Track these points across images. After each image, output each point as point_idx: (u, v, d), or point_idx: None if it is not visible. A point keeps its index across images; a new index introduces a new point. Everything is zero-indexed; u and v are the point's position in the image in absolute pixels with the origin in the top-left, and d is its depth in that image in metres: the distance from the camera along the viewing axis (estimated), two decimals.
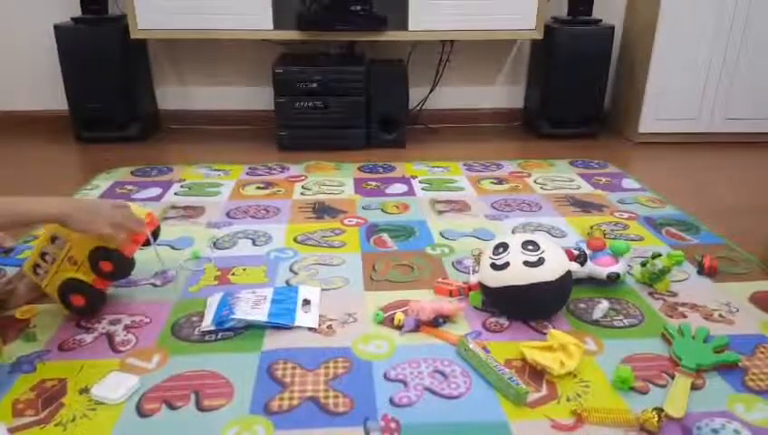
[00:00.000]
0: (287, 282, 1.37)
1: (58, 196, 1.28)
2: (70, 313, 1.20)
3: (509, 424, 0.93)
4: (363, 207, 1.81)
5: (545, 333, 1.14)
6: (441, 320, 1.20)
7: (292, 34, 2.33)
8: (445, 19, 2.34)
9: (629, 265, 1.41)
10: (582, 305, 1.27)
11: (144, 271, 1.40)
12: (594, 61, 2.51)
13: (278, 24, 2.31)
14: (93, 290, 1.17)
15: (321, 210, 1.79)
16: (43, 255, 1.18)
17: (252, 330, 1.16)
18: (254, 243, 1.56)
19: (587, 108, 2.61)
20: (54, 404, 0.97)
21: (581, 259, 1.31)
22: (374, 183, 2.04)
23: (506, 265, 1.18)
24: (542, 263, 1.16)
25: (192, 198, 1.89)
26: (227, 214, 1.76)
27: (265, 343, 1.13)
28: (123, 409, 0.96)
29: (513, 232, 1.66)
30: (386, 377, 1.04)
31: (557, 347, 1.07)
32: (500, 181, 2.07)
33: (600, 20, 2.55)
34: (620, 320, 1.22)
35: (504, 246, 1.21)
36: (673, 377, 1.04)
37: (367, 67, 2.41)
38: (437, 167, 2.21)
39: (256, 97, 2.75)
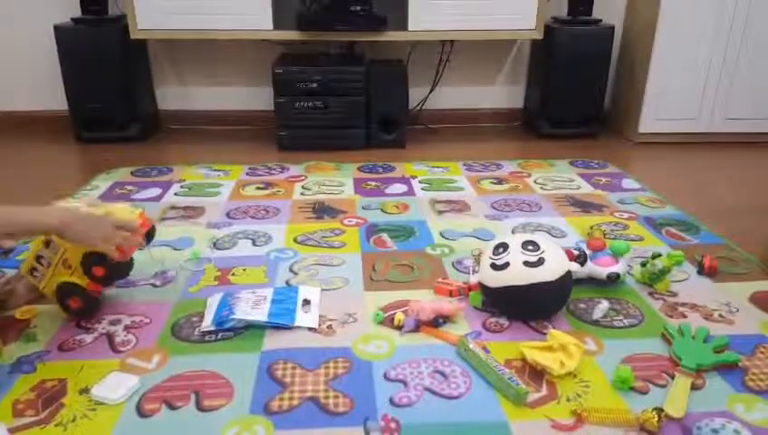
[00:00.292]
0: (287, 282, 1.37)
1: (58, 198, 1.29)
2: (68, 314, 1.20)
3: (509, 424, 0.94)
4: (363, 208, 1.81)
5: (545, 334, 1.15)
6: (441, 320, 1.20)
7: (291, 35, 2.33)
8: (444, 19, 2.34)
9: (629, 266, 1.41)
10: (582, 305, 1.27)
11: (144, 271, 1.40)
12: (594, 61, 2.51)
13: (278, 25, 2.31)
14: (88, 294, 1.17)
15: (321, 210, 1.79)
16: (38, 258, 1.18)
17: (252, 330, 1.16)
18: (254, 243, 1.56)
19: (587, 108, 2.61)
20: (54, 404, 0.97)
21: (581, 259, 1.31)
22: (374, 183, 2.04)
23: (506, 265, 1.18)
24: (542, 263, 1.16)
25: (192, 198, 1.89)
26: (227, 214, 1.76)
27: (265, 344, 1.13)
28: (123, 409, 0.96)
29: (513, 232, 1.66)
30: (386, 377, 1.04)
31: (557, 347, 1.07)
32: (500, 181, 2.07)
33: (600, 20, 2.55)
34: (620, 320, 1.22)
35: (503, 247, 1.21)
36: (673, 377, 1.04)
37: (367, 67, 2.41)
38: (437, 167, 2.22)
39: (256, 97, 2.75)
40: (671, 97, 2.49)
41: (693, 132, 2.56)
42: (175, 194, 1.92)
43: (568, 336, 1.09)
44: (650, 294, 1.33)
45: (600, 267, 1.32)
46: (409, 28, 2.35)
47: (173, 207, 1.80)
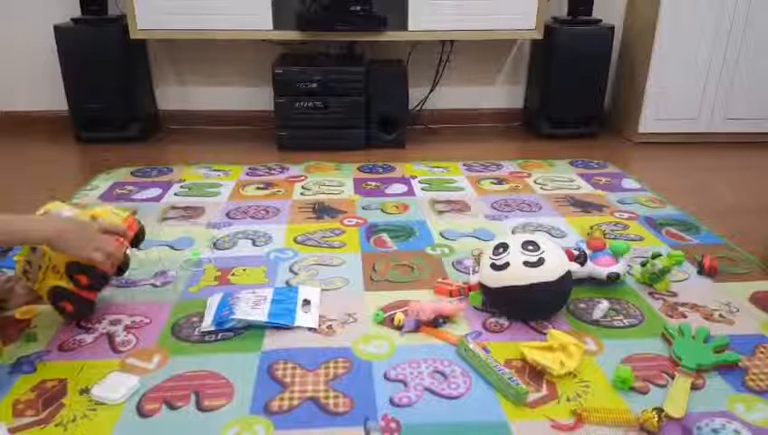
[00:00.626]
0: (287, 282, 1.37)
1: (50, 198, 1.28)
2: (63, 317, 1.19)
3: (509, 424, 0.94)
4: (363, 208, 1.81)
5: (545, 334, 1.15)
6: (441, 320, 1.20)
7: (291, 35, 2.33)
8: (444, 19, 2.34)
9: (629, 266, 1.41)
10: (582, 305, 1.27)
11: (144, 272, 1.40)
12: (594, 61, 2.51)
13: (278, 25, 2.31)
14: (79, 298, 1.15)
15: (321, 210, 1.79)
16: (28, 262, 1.17)
17: (252, 330, 1.16)
18: (254, 243, 1.56)
19: (587, 108, 2.61)
20: (55, 404, 0.97)
21: (581, 259, 1.31)
22: (374, 183, 2.04)
23: (506, 265, 1.18)
24: (542, 263, 1.16)
25: (192, 198, 1.89)
26: (227, 214, 1.76)
27: (265, 344, 1.13)
28: (123, 409, 0.96)
29: (512, 232, 1.66)
30: (386, 377, 1.04)
31: (557, 347, 1.07)
32: (500, 181, 2.07)
33: (600, 20, 2.55)
34: (620, 320, 1.23)
35: (503, 247, 1.21)
36: (673, 377, 1.04)
37: (367, 67, 2.41)
38: (437, 167, 2.22)
39: (256, 97, 2.75)
40: (671, 97, 2.49)
41: (693, 132, 2.56)
42: (175, 194, 1.92)
43: (568, 336, 1.09)
44: (650, 294, 1.33)
45: (600, 267, 1.32)
46: (409, 28, 2.35)
47: (173, 208, 1.80)
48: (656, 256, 1.35)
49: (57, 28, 2.34)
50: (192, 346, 1.13)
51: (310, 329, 1.18)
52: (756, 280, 1.40)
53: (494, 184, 2.04)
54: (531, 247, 1.19)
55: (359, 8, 2.29)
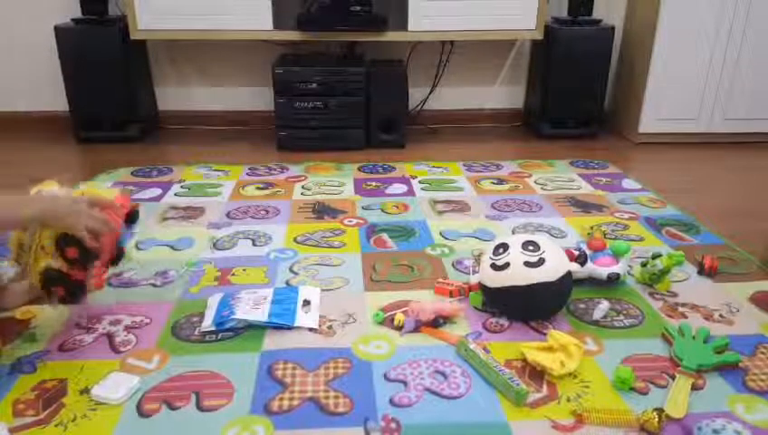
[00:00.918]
0: (287, 282, 1.37)
1: (34, 182, 1.19)
2: (53, 303, 1.15)
3: (509, 425, 0.93)
4: (363, 208, 1.81)
5: (545, 334, 1.14)
6: (441, 320, 1.20)
7: (292, 35, 2.33)
8: (445, 19, 2.34)
9: (630, 266, 1.41)
10: (582, 306, 1.27)
11: (144, 271, 1.40)
12: (594, 61, 2.51)
13: (278, 25, 2.31)
14: (70, 280, 1.10)
15: (321, 211, 1.79)
16: (20, 245, 1.12)
17: (252, 330, 1.16)
18: (254, 243, 1.56)
19: (587, 108, 2.60)
20: (55, 404, 0.97)
21: (582, 260, 1.31)
22: (374, 183, 2.04)
23: (506, 265, 1.18)
24: (543, 263, 1.16)
25: (192, 198, 1.89)
26: (227, 214, 1.76)
27: (265, 344, 1.13)
28: (124, 409, 0.96)
29: (513, 232, 1.66)
30: (386, 377, 1.04)
31: (557, 347, 1.07)
32: (500, 182, 2.07)
33: (601, 20, 2.55)
34: (621, 320, 1.22)
35: (504, 247, 1.21)
36: (673, 377, 1.04)
37: (367, 67, 2.41)
38: (437, 167, 2.22)
39: (256, 97, 2.75)
40: (671, 97, 2.49)
41: (693, 133, 2.56)
42: (175, 194, 1.92)
43: (568, 337, 1.09)
44: (651, 294, 1.33)
45: (600, 268, 1.32)
46: (409, 28, 2.35)
47: (173, 208, 1.80)
48: (656, 256, 1.34)
49: (57, 28, 2.34)
50: (192, 346, 1.12)
51: (310, 329, 1.18)
52: (756, 280, 1.40)
53: (495, 184, 2.04)
54: (531, 248, 1.19)
55: (359, 8, 2.29)
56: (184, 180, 2.05)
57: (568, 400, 0.99)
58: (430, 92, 2.79)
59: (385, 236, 1.62)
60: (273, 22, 2.30)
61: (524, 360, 1.07)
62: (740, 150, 2.50)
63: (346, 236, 1.62)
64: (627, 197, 1.94)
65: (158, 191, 1.94)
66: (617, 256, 1.33)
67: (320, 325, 1.19)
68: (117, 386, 0.99)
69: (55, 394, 0.99)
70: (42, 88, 2.65)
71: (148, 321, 1.21)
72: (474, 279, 1.31)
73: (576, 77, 2.52)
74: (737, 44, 2.40)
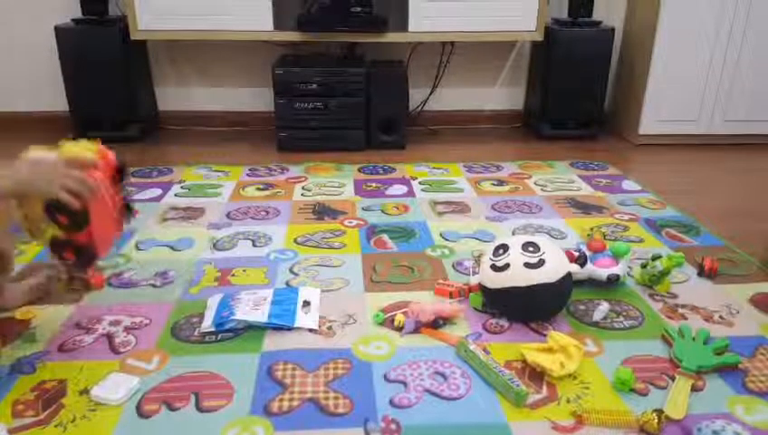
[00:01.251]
0: (287, 283, 1.37)
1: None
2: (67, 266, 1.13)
3: (509, 425, 0.93)
4: (363, 209, 1.81)
5: (545, 335, 1.14)
6: (441, 321, 1.20)
7: (292, 36, 2.34)
8: (445, 20, 2.34)
9: (629, 267, 1.41)
10: (582, 307, 1.27)
11: (144, 272, 1.40)
12: (594, 62, 2.51)
13: (278, 26, 2.31)
14: (75, 243, 1.07)
15: (322, 211, 1.79)
16: (25, 216, 1.07)
17: (252, 331, 1.16)
18: (254, 244, 1.56)
19: (587, 109, 2.60)
20: (54, 405, 0.97)
21: (581, 261, 1.31)
22: (374, 184, 2.04)
23: (506, 266, 1.18)
24: (543, 264, 1.16)
25: (192, 199, 1.89)
26: (227, 215, 1.76)
27: (265, 345, 1.13)
28: (123, 410, 0.96)
29: (513, 233, 1.66)
30: (386, 378, 1.04)
31: (557, 349, 1.07)
32: (500, 183, 2.07)
33: (601, 22, 2.55)
34: (620, 321, 1.22)
35: (504, 248, 1.21)
36: (673, 379, 1.04)
37: (367, 68, 2.41)
38: (438, 168, 2.22)
39: (256, 98, 2.75)
40: (671, 99, 2.49)
41: (693, 134, 2.56)
42: (175, 195, 1.92)
43: (568, 338, 1.09)
44: (651, 295, 1.33)
45: (600, 269, 1.32)
46: (410, 29, 2.35)
47: (173, 208, 1.80)
48: (656, 257, 1.34)
49: (58, 29, 2.34)
50: (192, 347, 1.12)
51: (310, 330, 1.17)
52: (756, 282, 1.40)
53: (495, 185, 2.04)
54: (531, 249, 1.19)
55: (359, 9, 2.29)
56: (184, 181, 2.05)
57: (568, 401, 0.99)
58: (430, 93, 2.79)
59: (385, 237, 1.62)
60: (274, 22, 2.30)
61: (524, 361, 1.07)
62: (740, 152, 2.50)
63: (346, 236, 1.62)
64: (627, 198, 1.94)
65: (158, 192, 1.94)
66: (617, 257, 1.33)
67: (320, 326, 1.19)
68: (116, 387, 0.99)
69: (55, 395, 0.99)
70: (42, 88, 2.65)
71: (147, 321, 1.20)
72: (474, 280, 1.31)
73: (576, 78, 2.52)
74: (737, 46, 2.40)
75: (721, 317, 1.25)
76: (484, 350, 1.09)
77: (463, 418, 0.95)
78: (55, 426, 0.92)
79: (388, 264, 1.46)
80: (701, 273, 1.42)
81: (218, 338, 1.15)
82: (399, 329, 1.18)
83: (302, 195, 1.93)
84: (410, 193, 1.96)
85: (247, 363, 1.07)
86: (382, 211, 1.80)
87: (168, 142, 2.59)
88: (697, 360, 1.06)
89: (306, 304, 1.25)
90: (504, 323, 1.21)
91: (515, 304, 1.20)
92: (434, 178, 2.12)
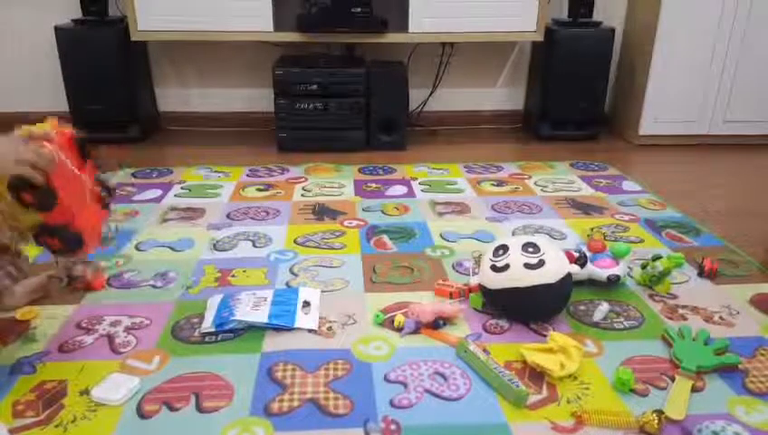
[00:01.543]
0: (287, 283, 1.37)
1: None
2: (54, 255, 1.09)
3: (509, 426, 0.93)
4: (363, 209, 1.81)
5: (545, 335, 1.14)
6: (441, 322, 1.20)
7: (292, 36, 2.34)
8: (445, 21, 2.35)
9: (630, 268, 1.41)
10: (582, 307, 1.27)
11: (144, 272, 1.40)
12: (594, 63, 2.51)
13: (278, 26, 2.31)
14: (58, 228, 1.03)
15: (322, 212, 1.79)
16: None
17: (252, 331, 1.16)
18: (254, 244, 1.56)
19: (587, 110, 2.60)
20: (55, 405, 0.97)
21: (582, 261, 1.31)
22: (374, 185, 2.04)
23: (506, 266, 1.18)
24: (543, 265, 1.16)
25: (192, 199, 1.89)
26: (227, 215, 1.76)
27: (265, 345, 1.13)
28: (123, 410, 0.96)
29: (513, 234, 1.66)
30: (386, 379, 1.04)
31: (557, 349, 1.07)
32: (500, 183, 2.07)
33: (601, 22, 2.56)
34: (620, 322, 1.22)
35: (504, 248, 1.21)
36: (673, 379, 1.04)
37: (367, 69, 2.41)
38: (438, 169, 2.22)
39: (256, 98, 2.75)
40: (671, 99, 2.49)
41: (693, 134, 2.57)
42: (175, 195, 1.92)
43: (568, 338, 1.09)
44: (651, 296, 1.33)
45: (600, 269, 1.32)
46: (410, 30, 2.35)
47: (173, 209, 1.80)
48: (656, 258, 1.35)
49: (58, 29, 2.35)
50: (192, 347, 1.12)
51: (310, 330, 1.18)
52: (756, 282, 1.40)
53: (495, 186, 2.04)
54: (531, 249, 1.19)
55: (359, 10, 2.29)
56: (184, 181, 2.05)
57: (568, 401, 0.99)
58: (430, 94, 2.79)
59: (385, 237, 1.62)
60: (274, 23, 2.30)
61: (524, 361, 1.07)
62: (740, 152, 2.50)
63: (346, 237, 1.62)
64: (627, 199, 1.94)
65: (158, 192, 1.94)
66: (617, 257, 1.33)
67: (320, 327, 1.19)
68: (117, 387, 0.99)
69: (55, 395, 0.99)
70: (42, 89, 2.65)
71: (148, 322, 1.21)
72: (474, 281, 1.31)
73: (576, 79, 2.52)
74: (737, 46, 2.41)
75: (721, 318, 1.25)
76: (484, 350, 1.09)
77: (463, 418, 0.95)
78: (55, 426, 0.92)
79: (388, 264, 1.46)
80: (701, 273, 1.42)
81: (218, 338, 1.15)
82: (399, 329, 1.18)
83: (302, 195, 1.93)
84: (410, 193, 1.96)
85: (247, 364, 1.07)
86: (382, 212, 1.80)
87: (169, 143, 2.59)
88: (697, 360, 1.06)
89: (306, 304, 1.25)
90: (504, 323, 1.21)
91: (515, 305, 1.20)
92: (434, 178, 2.12)
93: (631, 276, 1.40)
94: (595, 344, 1.15)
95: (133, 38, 2.33)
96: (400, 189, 2.00)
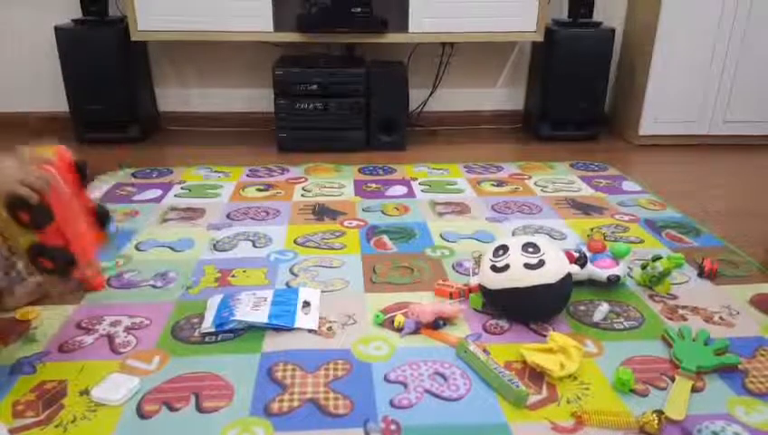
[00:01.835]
0: (287, 284, 1.37)
1: None
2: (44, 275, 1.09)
3: (509, 426, 0.93)
4: (363, 209, 1.81)
5: (545, 336, 1.14)
6: (441, 322, 1.20)
7: (292, 36, 2.34)
8: (445, 21, 2.35)
9: (630, 268, 1.41)
10: (582, 308, 1.27)
11: (144, 273, 1.40)
12: (594, 63, 2.51)
13: (278, 26, 2.31)
14: (50, 249, 1.03)
15: (322, 212, 1.79)
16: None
17: (252, 331, 1.16)
18: (254, 245, 1.56)
19: (587, 110, 2.60)
20: (55, 406, 0.97)
21: (582, 261, 1.31)
22: (374, 185, 2.04)
23: (506, 267, 1.18)
24: (543, 265, 1.16)
25: (192, 199, 1.89)
26: (227, 216, 1.76)
27: (265, 345, 1.13)
28: (123, 410, 0.96)
29: (513, 234, 1.66)
30: (386, 379, 1.04)
31: (557, 349, 1.07)
32: (500, 183, 2.07)
33: (601, 22, 2.56)
34: (620, 322, 1.22)
35: (504, 249, 1.21)
36: (673, 379, 1.04)
37: (367, 69, 2.41)
38: (438, 169, 2.22)
39: (256, 99, 2.75)
40: (671, 99, 2.49)
41: (693, 135, 2.57)
42: (175, 195, 1.92)
43: (568, 338, 1.09)
44: (651, 296, 1.33)
45: (600, 270, 1.32)
46: (410, 30, 2.35)
47: (173, 209, 1.80)
48: (656, 258, 1.35)
49: (58, 29, 2.35)
50: (192, 347, 1.12)
51: (310, 330, 1.18)
52: (756, 283, 1.40)
53: (495, 186, 2.04)
54: (531, 249, 1.19)
55: (359, 10, 2.29)
56: (184, 181, 2.05)
57: (568, 401, 0.99)
58: (430, 94, 2.79)
59: (385, 237, 1.62)
60: (274, 23, 2.30)
61: (524, 362, 1.07)
62: (740, 153, 2.50)
63: (346, 237, 1.62)
64: (627, 199, 1.94)
65: (158, 192, 1.94)
66: (617, 258, 1.33)
67: (319, 327, 1.19)
68: (117, 387, 0.99)
69: (55, 395, 0.99)
70: (42, 89, 2.65)
71: (147, 322, 1.21)
72: (474, 281, 1.31)
73: (576, 79, 2.52)
74: (737, 46, 2.41)
75: (721, 318, 1.25)
76: (484, 350, 1.09)
77: (463, 418, 0.95)
78: (55, 426, 0.92)
79: (387, 264, 1.46)
80: (701, 274, 1.42)
81: (218, 339, 1.15)
82: (399, 330, 1.18)
83: (302, 195, 1.93)
84: (410, 194, 1.96)
85: (247, 364, 1.07)
86: (382, 212, 1.80)
87: (169, 143, 2.59)
88: (697, 361, 1.06)
89: (306, 304, 1.25)
90: (504, 323, 1.21)
91: (515, 305, 1.20)
92: (434, 178, 2.12)
93: (631, 277, 1.40)
94: (595, 345, 1.15)
95: (133, 38, 2.33)
96: (400, 190, 2.00)
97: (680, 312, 1.27)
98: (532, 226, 1.71)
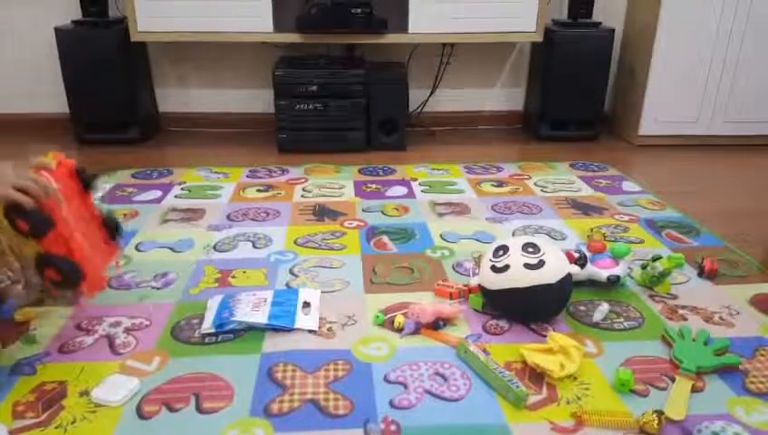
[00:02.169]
0: (287, 284, 1.37)
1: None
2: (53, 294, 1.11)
3: (509, 427, 0.93)
4: (363, 210, 1.81)
5: (545, 336, 1.14)
6: (441, 323, 1.20)
7: (292, 37, 2.34)
8: (445, 22, 2.35)
9: (630, 268, 1.41)
10: (582, 308, 1.27)
11: (144, 273, 1.40)
12: (594, 63, 2.51)
13: (278, 27, 2.31)
14: (54, 258, 1.03)
15: (322, 213, 1.79)
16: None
17: (252, 332, 1.16)
18: (254, 245, 1.56)
19: (587, 110, 2.61)
20: (55, 407, 0.97)
21: (582, 262, 1.31)
22: (374, 186, 2.04)
23: (506, 267, 1.18)
24: (543, 265, 1.16)
25: (192, 200, 1.89)
26: (228, 216, 1.76)
27: (265, 346, 1.13)
28: (123, 411, 0.96)
29: (513, 234, 1.66)
30: (386, 379, 1.04)
31: (557, 350, 1.07)
32: (500, 184, 2.07)
33: (601, 23, 2.56)
34: (621, 323, 1.22)
35: (504, 249, 1.21)
36: (673, 380, 1.04)
37: (367, 69, 2.41)
38: (438, 169, 2.22)
39: (256, 99, 2.75)
40: (671, 100, 2.49)
41: (693, 135, 2.56)
42: (175, 196, 1.92)
43: (568, 339, 1.09)
44: (651, 296, 1.33)
45: (600, 270, 1.32)
46: (410, 31, 2.35)
47: (173, 210, 1.80)
48: (656, 258, 1.35)
49: (58, 30, 2.35)
50: (192, 348, 1.12)
51: (310, 331, 1.18)
52: (756, 283, 1.40)
53: (495, 186, 2.04)
54: (531, 250, 1.19)
55: (359, 10, 2.29)
56: (184, 182, 2.05)
57: (568, 402, 0.99)
58: (430, 94, 2.79)
59: (385, 238, 1.62)
60: (274, 24, 2.30)
61: (524, 362, 1.07)
62: (740, 153, 2.50)
63: (346, 238, 1.62)
64: (627, 199, 1.94)
65: (158, 193, 1.94)
66: (617, 258, 1.33)
67: (320, 327, 1.19)
68: (117, 388, 0.99)
69: (55, 396, 0.99)
70: (42, 90, 2.65)
71: (147, 323, 1.21)
72: (474, 281, 1.31)
73: (576, 79, 2.52)
74: (737, 46, 2.41)
75: (721, 318, 1.25)
76: (484, 351, 1.09)
77: (463, 419, 0.95)
78: (55, 427, 0.92)
79: (388, 265, 1.46)
80: (701, 274, 1.42)
81: (218, 339, 1.15)
82: (399, 330, 1.18)
83: (302, 196, 1.93)
84: (410, 194, 1.96)
85: (247, 365, 1.07)
86: (382, 212, 1.80)
87: (169, 144, 2.59)
88: (697, 361, 1.06)
89: (306, 305, 1.25)
90: (504, 324, 1.21)
91: (515, 306, 1.20)
92: (434, 179, 2.12)
93: (631, 277, 1.40)
94: (595, 345, 1.15)
95: (133, 39, 2.33)
96: (400, 190, 2.00)
97: (680, 312, 1.27)
98: (532, 226, 1.71)
